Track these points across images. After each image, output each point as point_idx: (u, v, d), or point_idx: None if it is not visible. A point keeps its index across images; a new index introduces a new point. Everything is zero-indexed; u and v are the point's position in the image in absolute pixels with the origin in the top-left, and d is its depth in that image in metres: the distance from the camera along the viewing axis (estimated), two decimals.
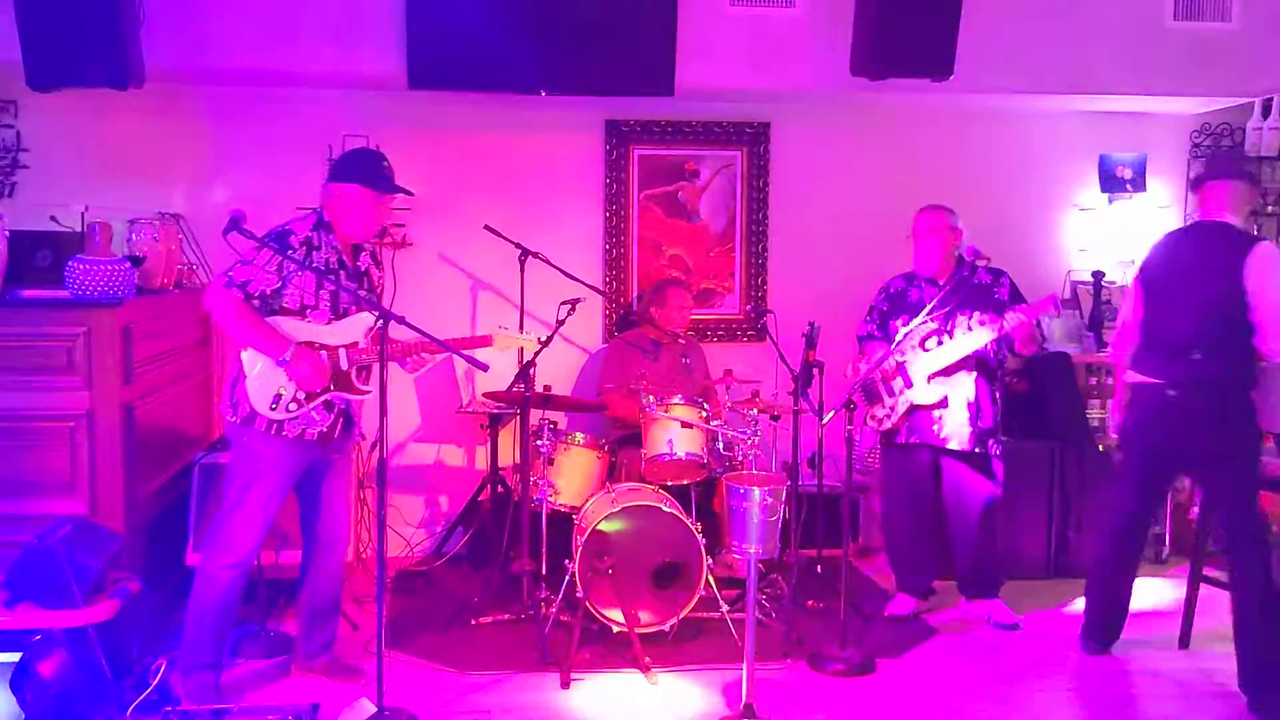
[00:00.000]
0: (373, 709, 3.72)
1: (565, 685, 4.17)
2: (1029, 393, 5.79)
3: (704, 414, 4.88)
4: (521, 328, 5.36)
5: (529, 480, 4.69)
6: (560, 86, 5.21)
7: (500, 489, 5.47)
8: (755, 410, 4.92)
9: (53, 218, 4.84)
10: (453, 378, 5.89)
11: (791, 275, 6.12)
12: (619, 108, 5.87)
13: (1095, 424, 5.90)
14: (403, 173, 5.72)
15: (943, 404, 4.73)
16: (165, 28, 4.89)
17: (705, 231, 6.04)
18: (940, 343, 4.71)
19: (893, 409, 4.80)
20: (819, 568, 5.40)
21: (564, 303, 4.83)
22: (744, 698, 3.79)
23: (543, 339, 4.29)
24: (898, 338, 4.68)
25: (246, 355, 3.81)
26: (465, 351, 3.83)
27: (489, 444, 5.55)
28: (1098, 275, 6.01)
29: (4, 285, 4.20)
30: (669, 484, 4.92)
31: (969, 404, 4.74)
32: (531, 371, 4.63)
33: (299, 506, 4.13)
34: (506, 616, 4.76)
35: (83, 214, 4.33)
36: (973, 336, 4.67)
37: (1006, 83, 5.44)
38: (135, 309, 4.29)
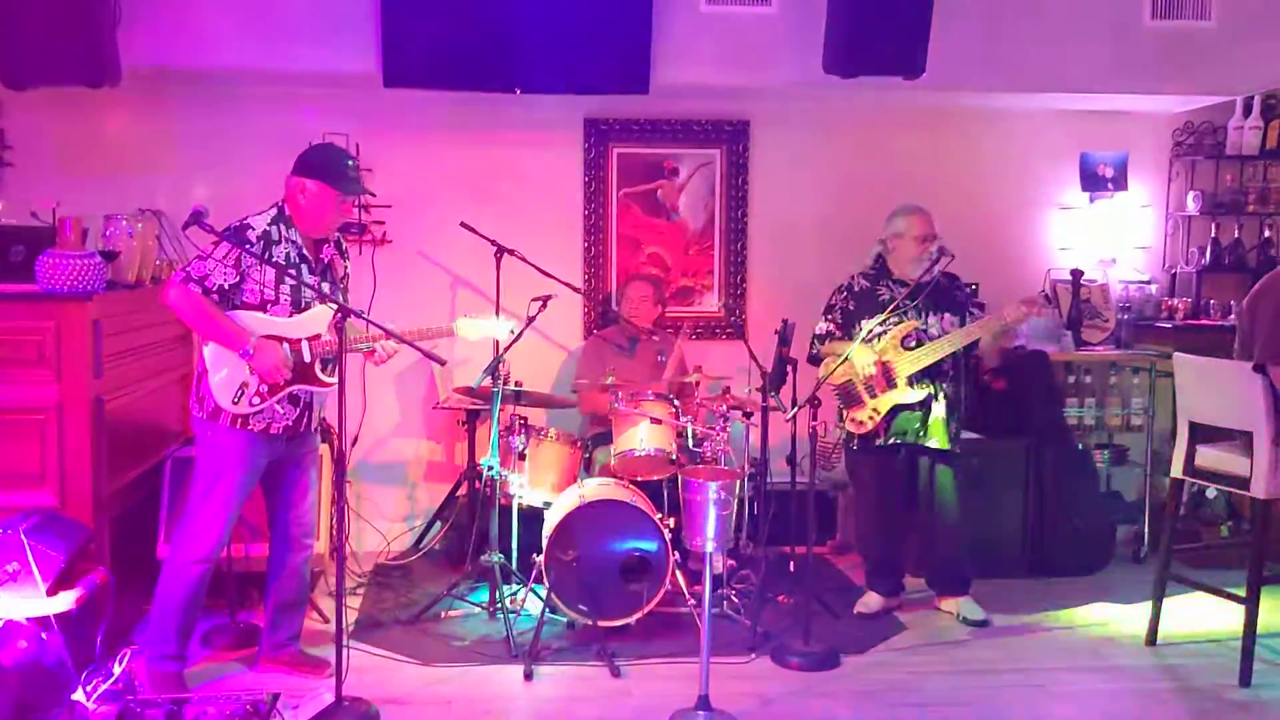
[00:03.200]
0: (331, 699, 3.76)
1: (528, 677, 4.20)
2: (1006, 391, 5.80)
3: (674, 410, 4.90)
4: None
5: (499, 475, 4.72)
6: (534, 85, 5.25)
7: (477, 484, 5.50)
8: (724, 407, 4.93)
9: (32, 213, 4.89)
10: (429, 373, 5.93)
11: (771, 273, 6.14)
12: (599, 106, 5.91)
13: (1073, 422, 5.91)
14: (383, 170, 5.85)
15: (925, 403, 4.74)
16: (143, 27, 4.94)
17: (684, 229, 6.07)
18: (920, 342, 4.72)
19: (876, 410, 4.79)
20: (793, 564, 5.42)
21: (535, 299, 4.86)
22: (700, 689, 3.82)
23: (512, 329, 4.29)
24: (861, 334, 4.68)
25: (208, 350, 3.84)
26: (423, 344, 3.85)
27: (467, 439, 5.59)
28: (1076, 274, 6.01)
29: None
30: (640, 480, 4.95)
31: (948, 402, 4.76)
32: (502, 366, 4.66)
33: (265, 501, 4.16)
34: (477, 609, 4.80)
35: (54, 209, 4.36)
36: (960, 334, 4.68)
37: (980, 81, 5.47)
38: (106, 303, 4.33)
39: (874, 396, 4.78)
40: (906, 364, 4.71)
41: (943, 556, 4.95)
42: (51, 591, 3.77)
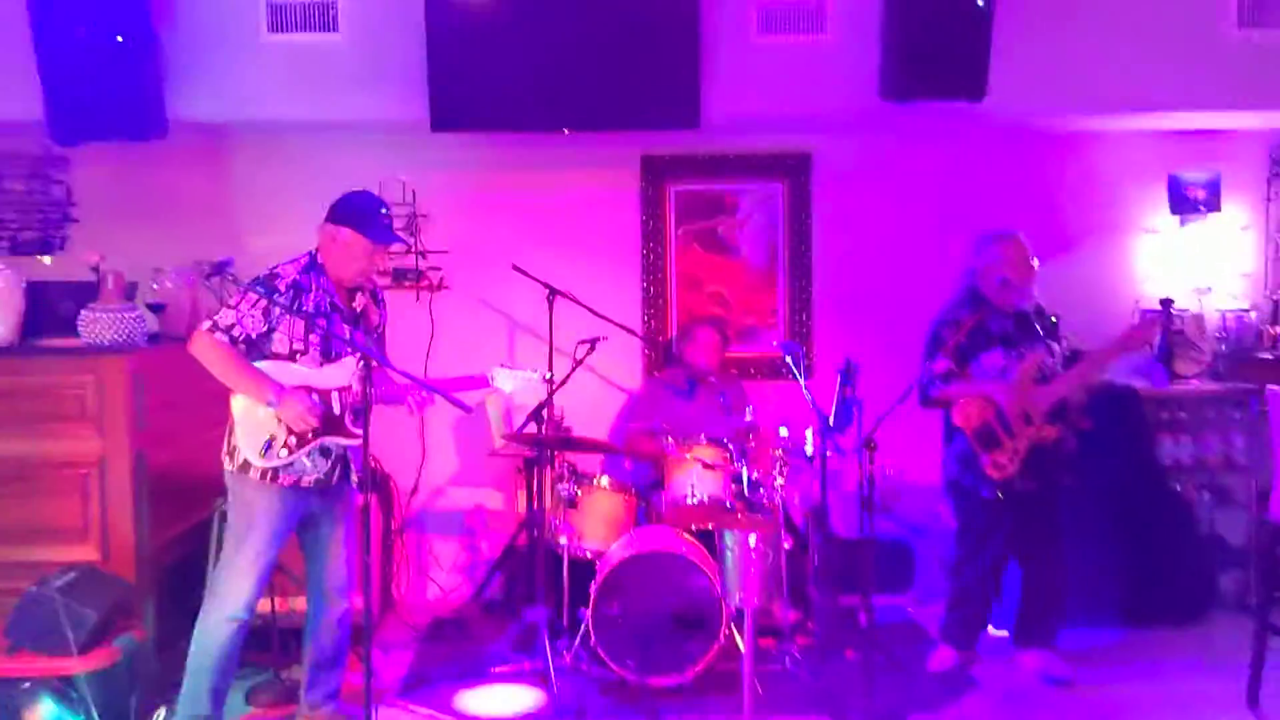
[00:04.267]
0: None
1: None
2: (1094, 430, 5.45)
3: (727, 455, 4.70)
4: (550, 366, 5.25)
5: (542, 524, 4.57)
6: (582, 124, 5.13)
7: (536, 533, 5.36)
8: (778, 451, 4.71)
9: (94, 269, 4.94)
10: (486, 420, 5.82)
11: (838, 309, 5.90)
12: (655, 143, 5.77)
13: (1168, 462, 5.53)
14: (440, 215, 5.80)
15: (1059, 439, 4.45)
16: (189, 81, 4.97)
17: (746, 266, 5.88)
18: (1044, 375, 4.45)
19: (1017, 451, 4.42)
20: (864, 617, 5.14)
21: (582, 342, 4.73)
22: None
23: (548, 376, 4.15)
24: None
25: (236, 401, 3.78)
26: (454, 394, 3.73)
27: (525, 487, 5.46)
28: (1166, 303, 5.62)
29: (25, 335, 4.28)
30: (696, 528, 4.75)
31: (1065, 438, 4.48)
32: (547, 412, 4.52)
33: (303, 555, 4.08)
34: (527, 665, 4.64)
35: (98, 264, 4.37)
36: (1088, 364, 4.45)
37: (1047, 104, 5.17)
38: (149, 356, 4.32)
39: (1012, 436, 4.46)
40: (1044, 398, 4.41)
41: (1031, 607, 4.62)
42: (83, 650, 3.74)
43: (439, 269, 5.78)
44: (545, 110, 5.07)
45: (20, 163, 5.58)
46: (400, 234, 3.91)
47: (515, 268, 5.35)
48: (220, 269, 3.61)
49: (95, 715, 3.65)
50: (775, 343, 5.27)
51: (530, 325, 5.76)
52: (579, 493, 4.78)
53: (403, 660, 4.88)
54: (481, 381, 4.00)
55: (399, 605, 5.59)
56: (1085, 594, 5.12)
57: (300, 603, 4.47)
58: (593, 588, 4.40)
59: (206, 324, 3.74)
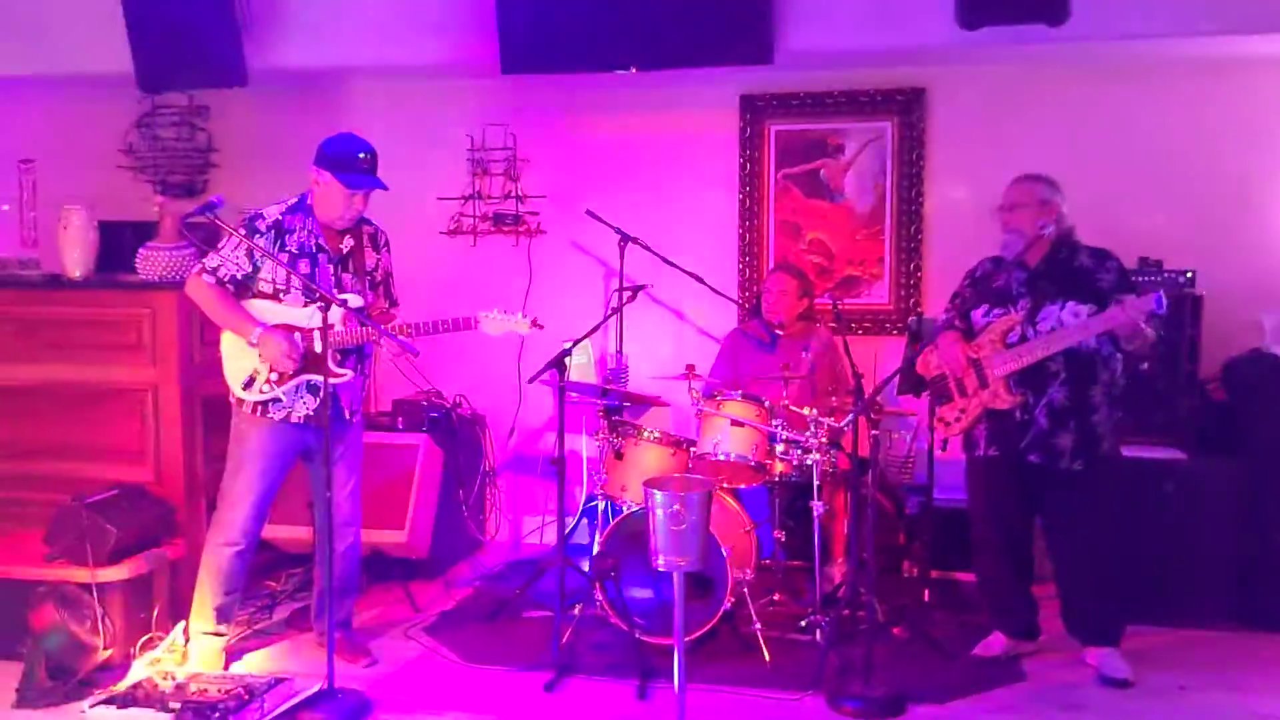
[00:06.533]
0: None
1: (548, 689, 3.96)
2: (1226, 403, 4.74)
3: (763, 411, 4.44)
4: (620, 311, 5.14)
5: (564, 472, 4.48)
6: (649, 62, 4.95)
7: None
8: (809, 410, 4.39)
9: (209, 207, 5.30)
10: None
11: (953, 260, 5.36)
12: (755, 80, 5.47)
13: None
14: (541, 159, 5.77)
15: (1026, 411, 3.97)
16: (271, 28, 5.18)
17: (850, 212, 5.49)
18: (1025, 337, 3.96)
19: (963, 411, 4.09)
20: (926, 592, 4.76)
21: (621, 289, 4.59)
22: None
23: (538, 321, 4.03)
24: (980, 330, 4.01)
25: (224, 338, 3.94)
26: (401, 338, 3.74)
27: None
28: None
29: (96, 269, 4.65)
30: (736, 486, 4.55)
31: (1061, 412, 3.94)
32: (566, 361, 4.42)
33: (310, 490, 4.23)
34: (549, 612, 4.60)
35: (158, 206, 4.67)
36: (1060, 334, 3.88)
37: (1143, 24, 4.47)
38: None
39: (964, 395, 4.06)
40: (1002, 362, 3.95)
41: (1072, 600, 4.11)
42: (101, 562, 4.04)
43: (537, 214, 5.78)
44: (613, 49, 4.93)
45: (169, 113, 6.04)
46: (376, 179, 3.87)
47: (589, 212, 5.26)
48: (207, 209, 3.73)
49: (104, 624, 3.94)
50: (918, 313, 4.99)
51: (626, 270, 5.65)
52: (624, 444, 4.66)
53: (454, 598, 4.96)
54: (469, 323, 3.95)
55: (488, 546, 5.70)
56: (1193, 588, 4.54)
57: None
58: (600, 542, 4.29)
59: (197, 267, 3.91)
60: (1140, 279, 4.56)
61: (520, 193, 5.79)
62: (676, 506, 3.20)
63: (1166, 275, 4.80)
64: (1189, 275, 4.80)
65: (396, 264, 4.20)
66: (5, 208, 5.61)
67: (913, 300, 5.41)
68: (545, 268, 5.78)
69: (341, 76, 5.68)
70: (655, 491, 3.21)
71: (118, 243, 4.80)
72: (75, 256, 4.58)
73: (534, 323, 3.99)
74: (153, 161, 6.10)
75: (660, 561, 3.26)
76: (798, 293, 5.09)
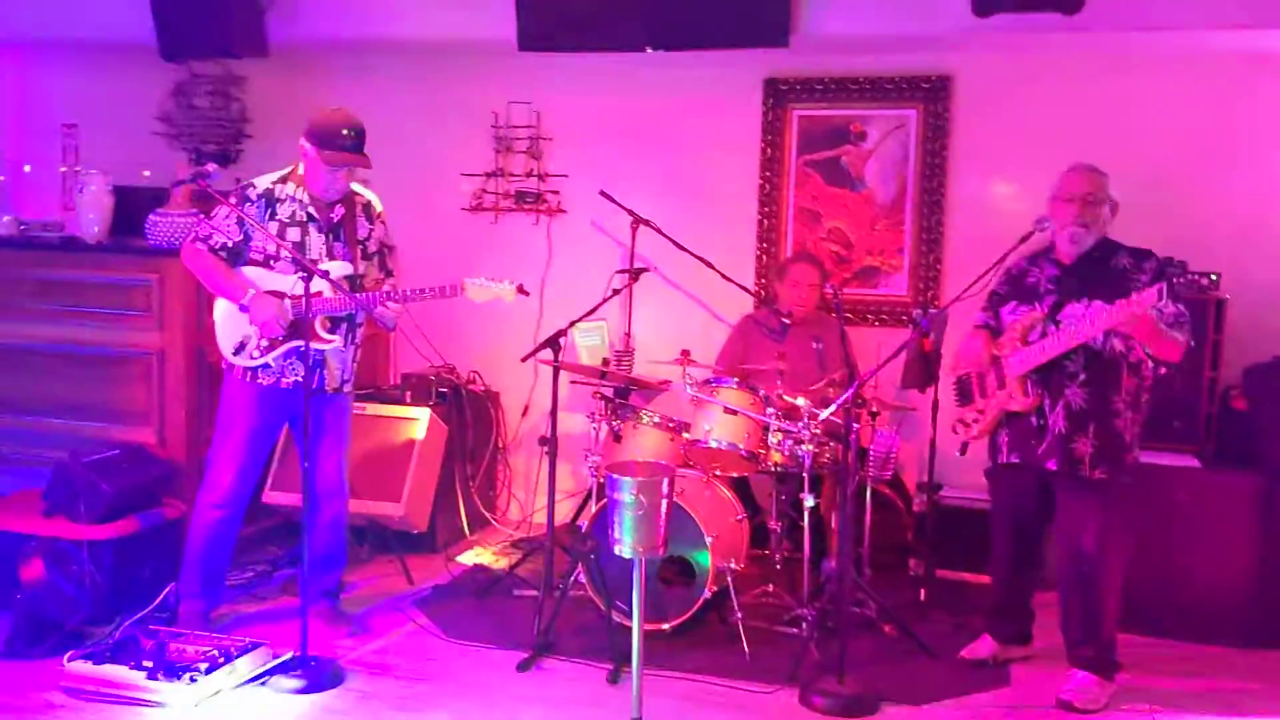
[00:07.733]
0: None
1: (521, 669, 3.96)
2: (1246, 412, 4.56)
3: (757, 400, 4.38)
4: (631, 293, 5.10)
5: (555, 452, 4.47)
6: (666, 42, 4.87)
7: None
8: (801, 400, 4.31)
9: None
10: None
11: (974, 251, 5.23)
12: (780, 64, 5.38)
13: None
14: (564, 138, 5.75)
15: (1041, 415, 3.84)
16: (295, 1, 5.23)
17: (870, 201, 5.38)
18: (1045, 335, 3.82)
19: (980, 413, 3.98)
20: (923, 591, 4.66)
21: (620, 271, 4.55)
22: (633, 711, 3.37)
23: (524, 288, 4.00)
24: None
25: (217, 304, 4.00)
26: (377, 310, 3.77)
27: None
28: None
29: (112, 233, 4.74)
30: (732, 475, 4.51)
31: (1079, 414, 3.79)
32: (561, 340, 4.41)
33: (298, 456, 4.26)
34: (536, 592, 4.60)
35: (175, 175, 4.74)
36: (1069, 330, 3.73)
37: (1166, 15, 4.28)
38: None
39: (984, 396, 3.95)
40: (1018, 361, 3.83)
41: (1069, 613, 3.93)
42: (92, 520, 4.13)
43: (558, 193, 5.76)
44: (629, 30, 4.86)
45: (204, 82, 6.12)
46: (357, 156, 3.86)
47: (603, 193, 5.23)
48: (197, 177, 3.78)
49: (90, 581, 4.02)
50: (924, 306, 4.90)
51: (641, 253, 5.61)
52: (622, 427, 4.64)
53: (451, 573, 4.98)
54: (454, 290, 3.93)
55: (495, 523, 5.72)
56: (1205, 603, 4.39)
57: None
58: (583, 524, 4.28)
59: (190, 235, 3.97)
60: None
61: (542, 171, 5.77)
62: (634, 492, 3.18)
63: (1190, 277, 4.63)
64: (1213, 278, 4.63)
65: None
66: (28, 169, 5.71)
67: (931, 293, 5.28)
68: (564, 247, 5.76)
69: (367, 49, 5.70)
70: (613, 476, 3.18)
71: (138, 208, 4.88)
72: (91, 220, 4.67)
73: (520, 289, 3.98)
74: (188, 129, 6.18)
75: (619, 548, 3.24)
76: (820, 284, 5.01)
